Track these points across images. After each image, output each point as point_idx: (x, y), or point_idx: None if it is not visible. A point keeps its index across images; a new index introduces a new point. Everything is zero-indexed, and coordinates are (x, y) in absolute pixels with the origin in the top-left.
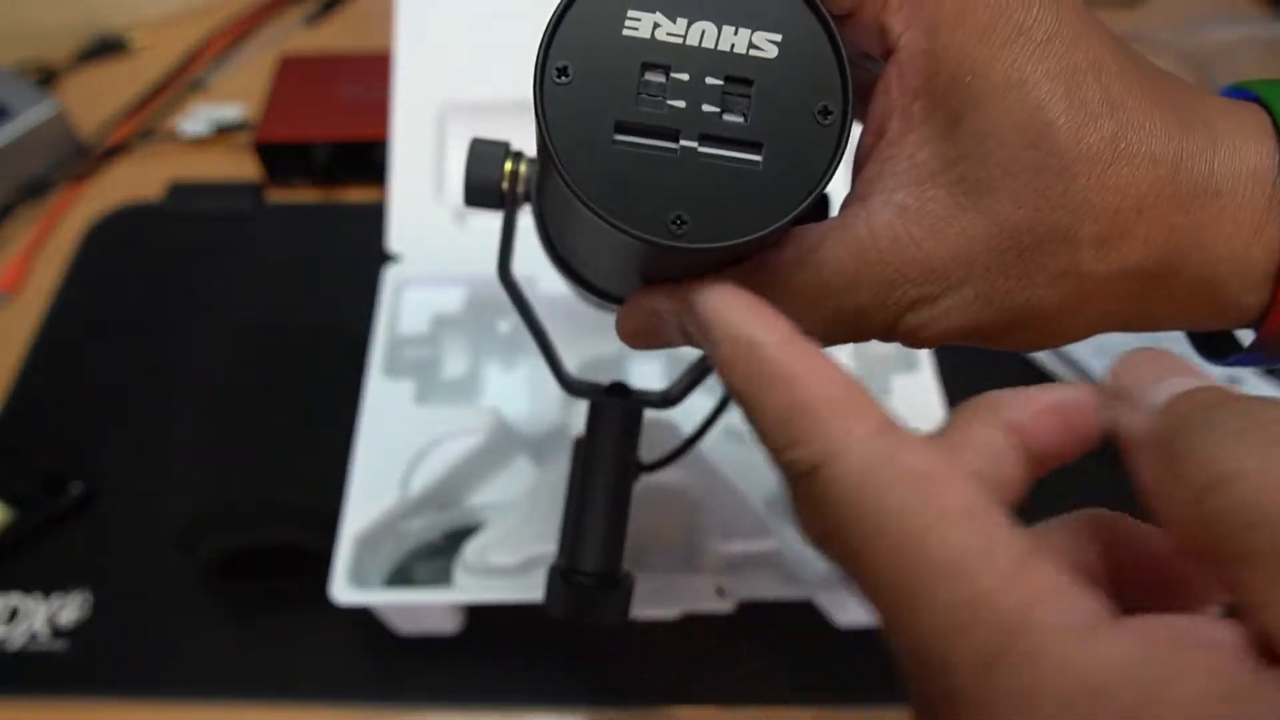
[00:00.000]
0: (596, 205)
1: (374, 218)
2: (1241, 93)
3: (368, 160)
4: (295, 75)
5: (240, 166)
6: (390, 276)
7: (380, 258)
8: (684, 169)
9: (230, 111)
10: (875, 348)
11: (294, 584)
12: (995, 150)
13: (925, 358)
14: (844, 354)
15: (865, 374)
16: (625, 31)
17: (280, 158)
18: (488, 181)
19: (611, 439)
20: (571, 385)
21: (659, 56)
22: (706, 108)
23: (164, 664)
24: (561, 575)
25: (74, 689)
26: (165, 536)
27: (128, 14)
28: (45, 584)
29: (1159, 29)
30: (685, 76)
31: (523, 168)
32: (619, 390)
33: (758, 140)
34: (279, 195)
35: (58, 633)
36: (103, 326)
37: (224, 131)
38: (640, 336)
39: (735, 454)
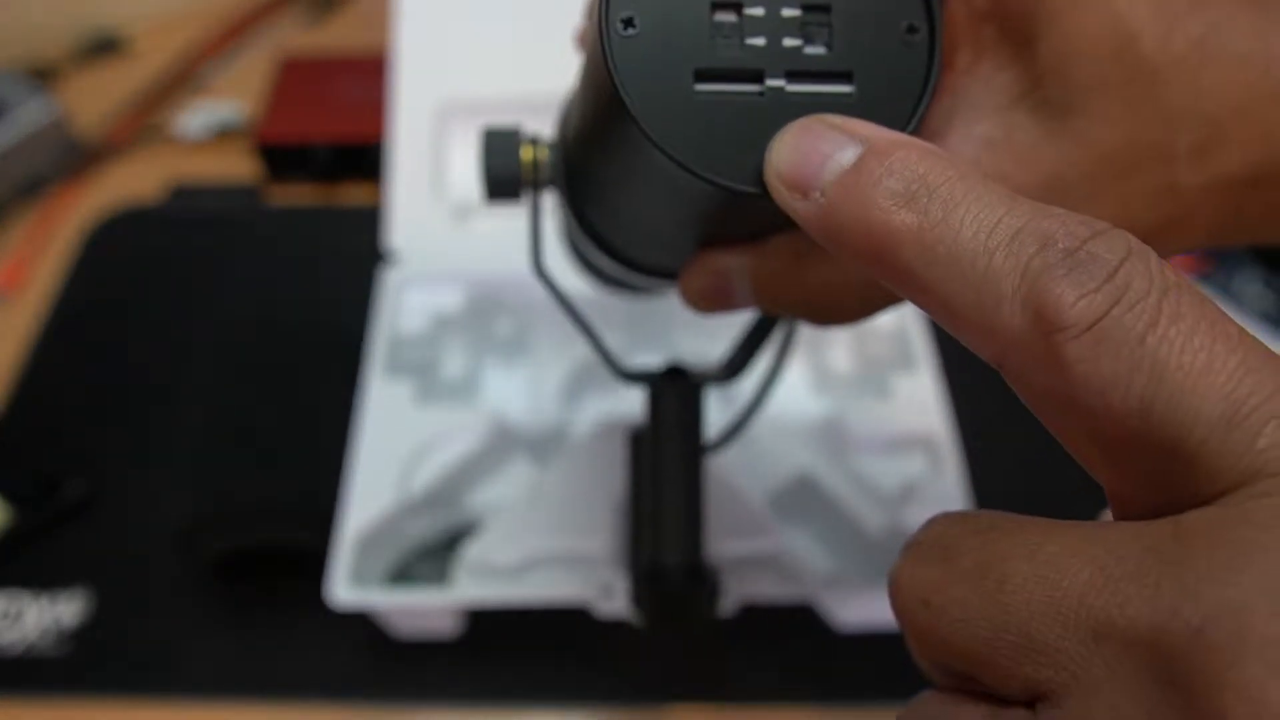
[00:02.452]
0: (686, 161)
1: (374, 218)
2: None
3: (368, 160)
4: (295, 75)
5: (240, 167)
6: (390, 276)
7: (380, 258)
8: (772, 111)
9: (230, 111)
10: (875, 347)
11: (294, 584)
12: (1079, 67)
13: (925, 357)
14: (842, 352)
15: (865, 374)
16: None
17: (280, 158)
18: (509, 172)
19: (680, 423)
20: (627, 374)
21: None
22: (788, 41)
23: (164, 664)
24: (647, 575)
25: (74, 689)
26: (165, 536)
27: (127, 14)
28: (45, 584)
29: None
30: (760, 11)
31: (543, 153)
32: (677, 372)
33: (846, 69)
34: (279, 196)
35: (58, 633)
36: (103, 326)
37: (224, 132)
38: (708, 298)
39: (735, 454)
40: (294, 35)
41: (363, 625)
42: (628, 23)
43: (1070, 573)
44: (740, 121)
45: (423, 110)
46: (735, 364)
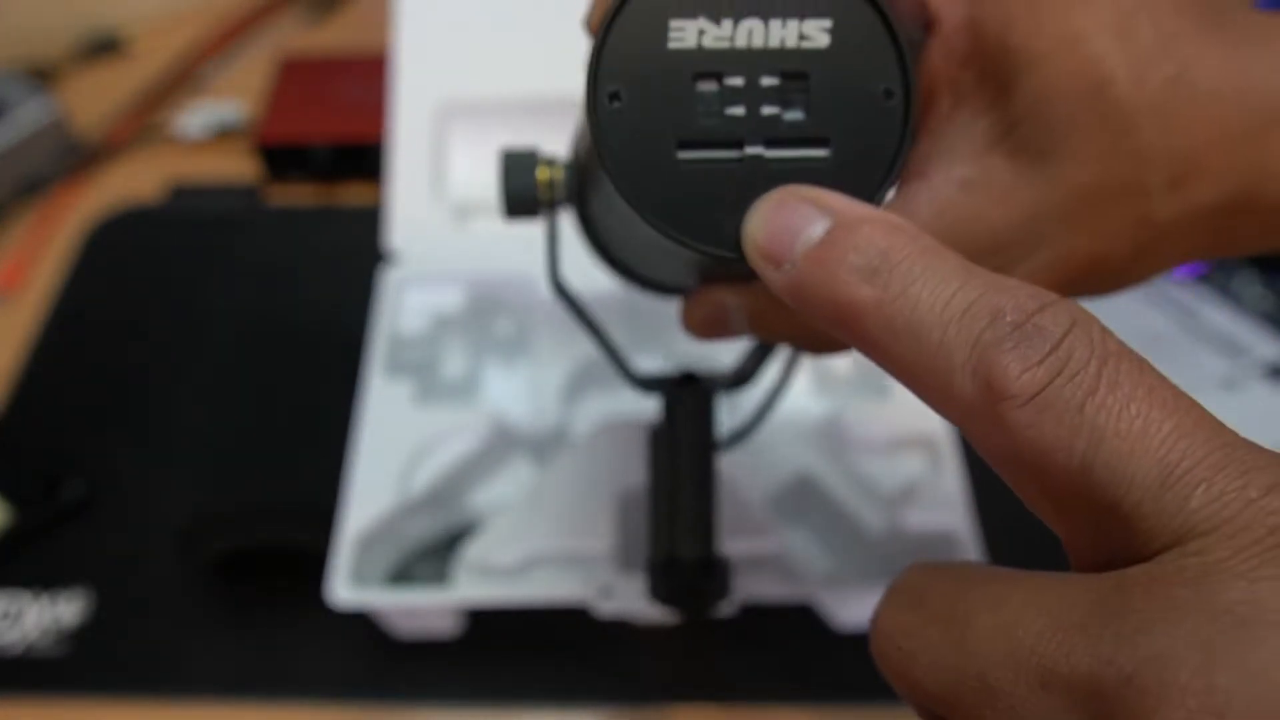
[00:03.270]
0: (665, 226)
1: (374, 218)
2: None
3: (368, 160)
4: (295, 75)
5: (240, 167)
6: (390, 276)
7: (380, 258)
8: (751, 176)
9: (230, 111)
10: None
11: (294, 584)
12: (1053, 111)
13: None
14: (839, 358)
15: (865, 374)
16: (671, 44)
17: (280, 158)
18: (526, 192)
19: (694, 427)
20: (642, 381)
21: (709, 64)
22: (766, 110)
23: (164, 664)
24: (664, 567)
25: (74, 689)
26: (165, 536)
27: (127, 14)
28: (45, 584)
29: None
30: (740, 81)
31: (558, 173)
32: (690, 379)
33: (823, 135)
34: (279, 196)
35: (58, 633)
36: (103, 326)
37: (224, 132)
38: (707, 327)
39: (736, 454)
40: (294, 35)
41: (363, 625)
42: (614, 96)
43: (1026, 623)
44: (721, 187)
45: (423, 110)
46: (745, 373)
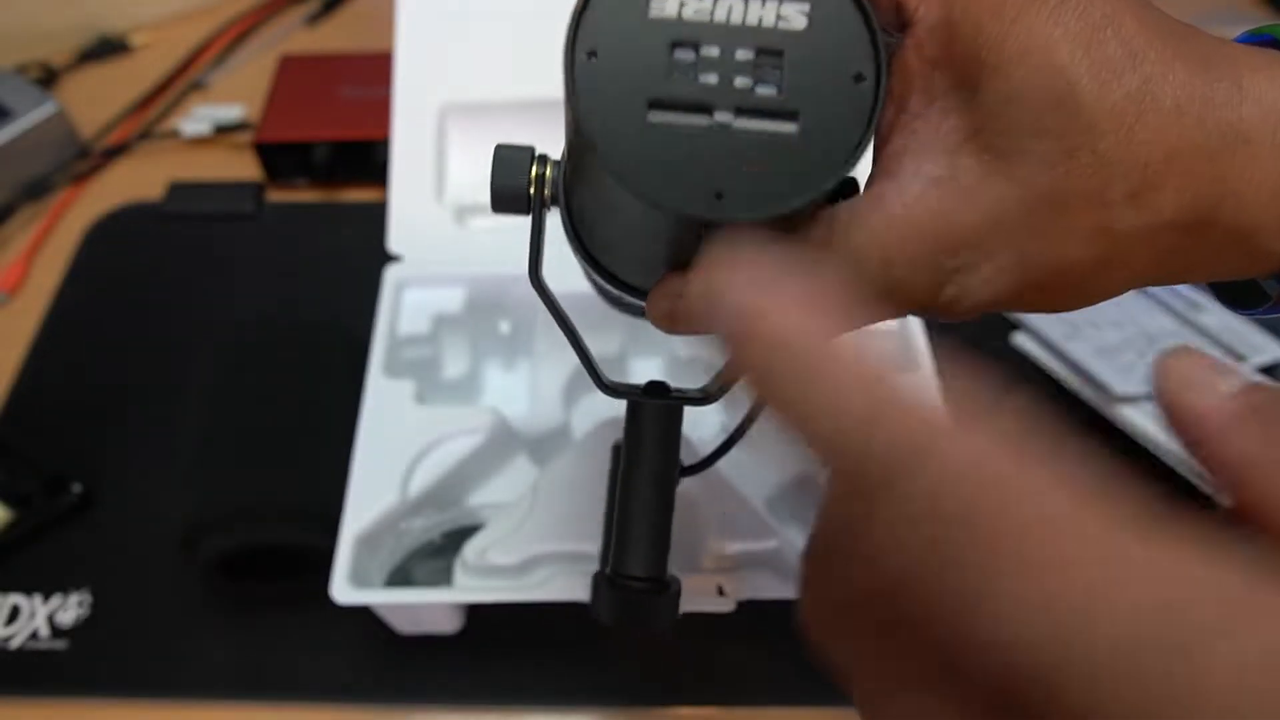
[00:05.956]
0: (633, 182)
1: (374, 218)
2: (1261, 37)
3: (368, 160)
4: (295, 75)
5: (240, 166)
6: (390, 276)
7: (380, 258)
8: (719, 143)
9: (230, 111)
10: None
11: (294, 584)
12: (1020, 115)
13: (925, 358)
14: None
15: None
16: (652, 13)
17: (280, 158)
18: (514, 188)
19: (653, 439)
20: (609, 387)
21: (687, 34)
22: (739, 81)
23: (164, 664)
24: (608, 581)
25: (74, 689)
26: (165, 536)
27: (128, 14)
28: (45, 584)
29: None
30: (715, 52)
31: (549, 171)
32: (658, 389)
33: (793, 109)
34: (279, 195)
35: (58, 633)
36: (103, 326)
37: (224, 131)
38: (669, 320)
39: (735, 454)
40: (294, 35)
41: (363, 626)
42: (591, 54)
43: None
44: (689, 150)
45: (423, 111)
46: (714, 391)
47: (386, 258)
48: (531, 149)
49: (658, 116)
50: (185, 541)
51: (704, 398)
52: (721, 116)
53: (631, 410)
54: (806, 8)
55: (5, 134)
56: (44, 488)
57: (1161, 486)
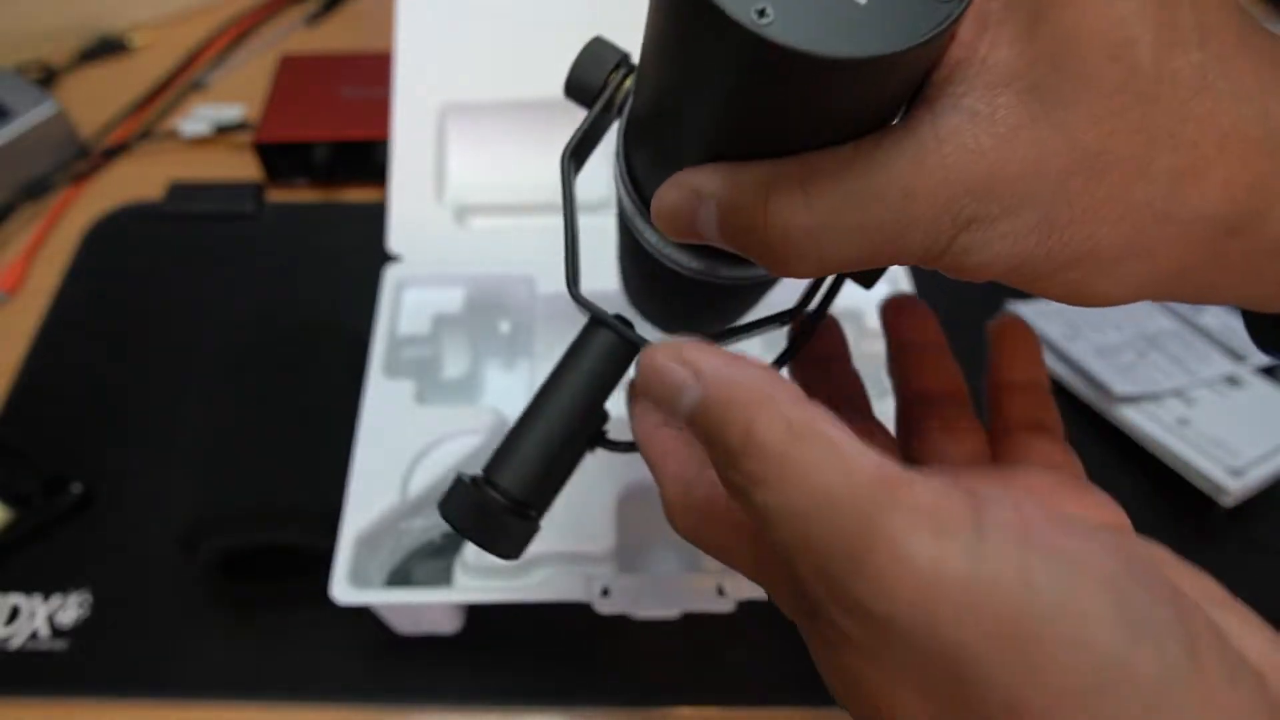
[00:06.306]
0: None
1: (374, 218)
2: None
3: (368, 160)
4: (295, 75)
5: (240, 166)
6: (390, 276)
7: (380, 258)
8: None
9: (230, 111)
10: (875, 345)
11: (294, 584)
12: (1074, 59)
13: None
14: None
15: (864, 371)
16: None
17: (280, 158)
18: (590, 80)
19: (591, 368)
20: (579, 296)
21: None
22: None
23: (164, 664)
24: (473, 482)
25: (74, 689)
26: (165, 536)
27: (128, 14)
28: (45, 584)
29: None
30: None
31: (627, 81)
32: (622, 321)
33: None
34: (279, 195)
35: (58, 633)
36: (103, 326)
37: (224, 131)
38: (671, 218)
39: None
40: (294, 35)
41: (362, 626)
42: None
43: None
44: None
45: (423, 111)
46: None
47: (386, 258)
48: (626, 55)
49: None
50: (185, 541)
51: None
52: None
53: (585, 331)
54: None
55: (5, 134)
56: (44, 488)
57: (1161, 487)
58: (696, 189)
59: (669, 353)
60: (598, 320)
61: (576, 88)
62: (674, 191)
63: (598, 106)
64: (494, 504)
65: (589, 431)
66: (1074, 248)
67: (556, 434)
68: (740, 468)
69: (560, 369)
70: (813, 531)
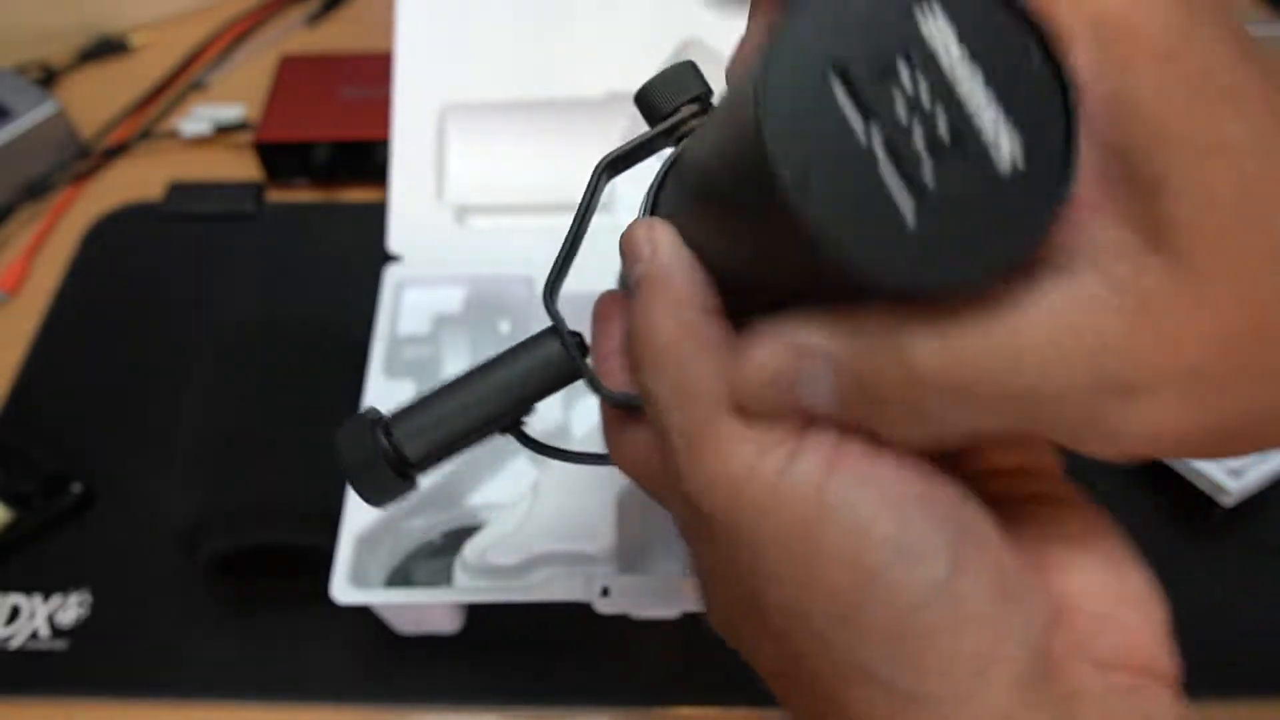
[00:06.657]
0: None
1: (374, 218)
2: None
3: (368, 160)
4: (295, 75)
5: (240, 166)
6: (390, 276)
7: (380, 258)
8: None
9: (230, 111)
10: None
11: (294, 584)
12: (1210, 229)
13: None
14: None
15: None
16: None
17: (280, 158)
18: (660, 101)
19: (528, 367)
20: (550, 305)
21: (915, 50)
22: (917, 142)
23: (164, 664)
24: (374, 423)
25: (74, 689)
26: (165, 536)
27: (128, 14)
28: (45, 584)
29: None
30: (924, 97)
31: (693, 120)
32: (579, 343)
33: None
34: (279, 195)
35: (58, 633)
36: (103, 326)
37: (224, 131)
38: (772, 384)
39: None
40: (294, 35)
41: (363, 625)
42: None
43: None
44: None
45: (423, 111)
46: (620, 398)
47: (386, 258)
48: (708, 91)
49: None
50: (185, 541)
51: (605, 394)
52: (878, 149)
53: (539, 334)
54: (1020, 142)
55: (5, 134)
56: (44, 488)
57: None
58: (801, 348)
59: (643, 225)
60: (555, 330)
61: (646, 101)
62: (772, 351)
63: (658, 129)
64: (383, 452)
65: (503, 423)
66: (1240, 419)
67: (471, 416)
68: (632, 349)
69: (501, 357)
70: (671, 421)
